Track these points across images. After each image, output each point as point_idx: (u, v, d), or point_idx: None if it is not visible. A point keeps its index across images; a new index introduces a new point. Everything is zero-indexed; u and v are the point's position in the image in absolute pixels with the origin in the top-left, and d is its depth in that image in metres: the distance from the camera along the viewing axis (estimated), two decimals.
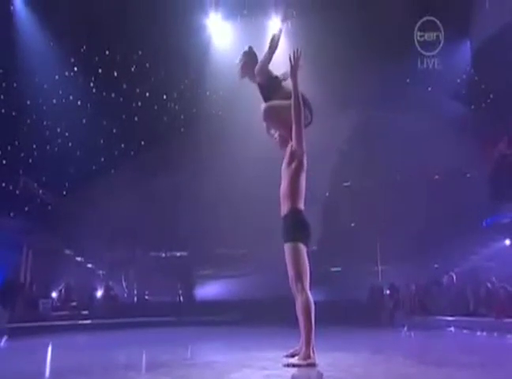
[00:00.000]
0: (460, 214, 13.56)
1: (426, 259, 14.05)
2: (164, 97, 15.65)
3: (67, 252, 15.90)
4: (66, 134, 14.67)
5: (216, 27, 14.30)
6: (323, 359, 4.15)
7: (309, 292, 4.15)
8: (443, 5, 12.64)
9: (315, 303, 4.11)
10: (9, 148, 14.16)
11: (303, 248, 4.24)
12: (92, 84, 14.90)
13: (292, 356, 4.21)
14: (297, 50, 4.48)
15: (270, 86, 4.75)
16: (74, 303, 13.62)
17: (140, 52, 14.77)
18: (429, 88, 14.42)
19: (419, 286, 12.98)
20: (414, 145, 13.50)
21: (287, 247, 4.26)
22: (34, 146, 14.64)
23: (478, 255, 14.00)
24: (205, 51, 14.48)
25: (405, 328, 10.53)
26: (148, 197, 14.75)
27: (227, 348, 6.04)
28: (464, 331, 9.50)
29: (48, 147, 14.64)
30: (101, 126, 14.69)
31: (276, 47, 4.75)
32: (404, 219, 13.87)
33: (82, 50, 14.23)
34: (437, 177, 15.86)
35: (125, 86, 15.10)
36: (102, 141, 15.10)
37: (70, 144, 14.61)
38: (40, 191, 15.17)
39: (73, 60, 14.35)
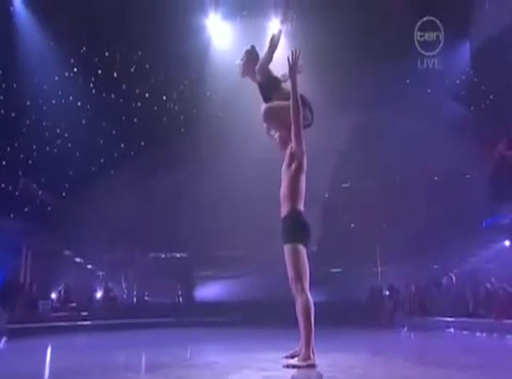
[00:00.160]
0: (459, 215, 13.57)
1: (425, 260, 14.06)
2: (164, 98, 15.66)
3: (67, 253, 15.90)
4: (66, 135, 14.67)
5: (216, 27, 14.31)
6: (323, 360, 4.14)
7: (309, 293, 4.14)
8: (443, 5, 12.64)
9: (315, 304, 4.11)
10: (8, 149, 14.16)
11: (302, 249, 4.23)
12: (91, 85, 14.91)
13: (292, 357, 4.21)
14: (295, 50, 4.48)
15: (270, 86, 4.75)
16: (74, 304, 13.62)
17: (139, 53, 14.78)
18: (428, 90, 14.43)
19: (418, 287, 12.98)
20: (414, 146, 13.51)
21: (287, 248, 4.26)
22: (33, 147, 14.64)
23: (478, 256, 14.01)
24: (205, 52, 14.48)
25: (405, 329, 10.53)
26: (148, 197, 14.75)
27: (227, 349, 6.03)
28: (464, 332, 9.50)
29: (48, 148, 14.64)
30: (101, 127, 14.70)
31: (276, 47, 4.75)
32: (403, 219, 13.88)
33: (82, 50, 14.24)
34: (436, 178, 15.86)
35: (124, 87, 15.11)
36: (101, 142, 15.10)
37: (70, 145, 14.61)
38: (40, 192, 15.17)
39: (72, 61, 14.36)
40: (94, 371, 4.53)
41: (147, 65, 14.88)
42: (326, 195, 15.86)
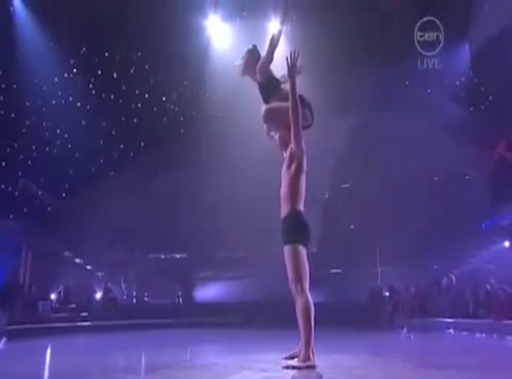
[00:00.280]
0: (459, 216, 13.58)
1: (425, 261, 14.06)
2: (164, 99, 15.67)
3: (66, 253, 15.90)
4: (66, 136, 14.67)
5: (216, 28, 14.31)
6: (323, 361, 4.14)
7: (309, 294, 4.14)
8: (443, 6, 12.65)
9: (315, 305, 4.10)
10: (8, 149, 14.16)
11: (302, 250, 4.23)
12: (91, 86, 14.91)
13: (292, 358, 4.20)
14: (294, 51, 4.47)
15: (270, 86, 4.75)
16: (73, 305, 13.62)
17: (139, 53, 14.78)
18: (428, 90, 14.44)
19: (418, 288, 12.99)
20: (413, 147, 13.51)
21: (286, 249, 4.25)
22: (33, 148, 14.64)
23: (477, 257, 14.01)
24: (205, 53, 14.49)
25: (405, 330, 10.53)
26: (148, 198, 14.75)
27: (227, 350, 6.03)
28: (464, 333, 9.50)
29: (47, 148, 14.64)
30: (100, 128, 14.70)
31: (275, 46, 4.73)
32: (403, 220, 13.88)
33: (82, 51, 14.24)
34: (436, 178, 15.88)
35: (124, 87, 15.11)
36: (101, 143, 15.10)
37: (70, 146, 14.61)
38: (39, 193, 15.17)
39: (72, 61, 14.36)
40: (93, 372, 4.53)
41: (147, 66, 14.89)
42: (326, 196, 15.87)
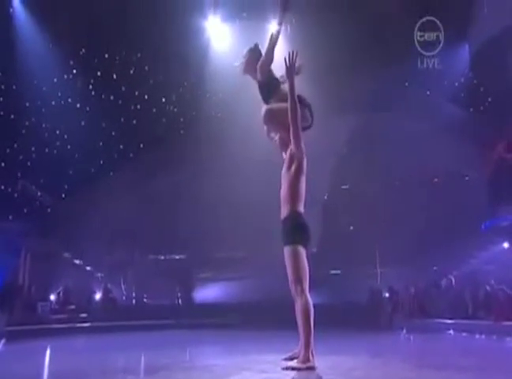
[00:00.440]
0: (459, 217, 13.58)
1: (425, 262, 14.06)
2: (163, 100, 15.69)
3: (66, 254, 15.87)
4: (65, 137, 14.67)
5: (215, 29, 14.33)
6: (322, 362, 4.13)
7: (308, 295, 4.13)
8: (443, 6, 12.66)
9: (314, 306, 4.10)
10: (7, 150, 14.16)
11: (302, 251, 4.22)
12: (91, 87, 14.91)
13: (291, 359, 4.19)
14: (293, 52, 4.47)
15: (270, 86, 4.74)
16: (73, 306, 13.60)
17: (139, 54, 14.81)
18: (428, 92, 14.45)
19: (418, 289, 12.98)
20: (413, 148, 13.52)
21: (286, 250, 4.25)
22: (33, 148, 14.64)
23: (477, 258, 14.01)
24: (204, 54, 14.50)
25: (404, 331, 10.52)
26: (148, 199, 14.74)
27: (227, 351, 6.02)
28: (463, 334, 9.49)
29: (47, 149, 14.64)
30: (100, 129, 14.70)
31: (274, 45, 4.72)
32: (403, 221, 13.88)
33: (81, 52, 14.26)
34: (436, 179, 15.88)
35: (124, 88, 15.13)
36: (101, 144, 15.10)
37: (69, 147, 14.61)
38: (39, 194, 15.16)
39: (72, 62, 14.37)
40: (93, 373, 4.53)
41: (146, 67, 14.90)
42: (326, 196, 15.87)
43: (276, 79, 4.78)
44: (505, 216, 13.42)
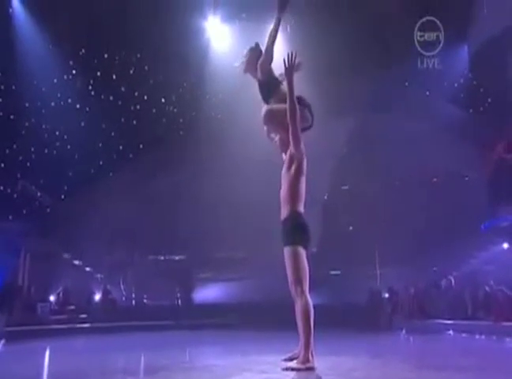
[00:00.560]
0: (458, 217, 13.58)
1: (425, 262, 14.06)
2: (163, 100, 15.68)
3: (65, 255, 15.86)
4: (65, 137, 14.66)
5: (215, 30, 14.34)
6: (322, 363, 4.13)
7: (308, 296, 4.13)
8: (443, 6, 12.66)
9: (314, 306, 4.10)
10: (7, 151, 14.15)
11: (302, 251, 4.22)
12: (90, 87, 14.91)
13: (291, 360, 4.19)
14: (291, 53, 4.46)
15: (270, 86, 4.73)
16: (72, 307, 13.59)
17: (139, 55, 14.81)
18: (427, 92, 14.46)
19: (417, 289, 12.98)
20: (413, 148, 13.53)
21: (286, 250, 4.25)
22: (32, 149, 14.63)
23: (476, 258, 14.01)
24: (204, 54, 14.51)
25: (404, 332, 10.52)
26: (147, 199, 14.74)
27: (227, 352, 6.02)
28: (463, 334, 9.49)
29: (46, 150, 14.63)
30: (100, 129, 14.69)
31: (273, 42, 4.71)
32: (402, 221, 13.89)
33: (81, 53, 14.26)
34: (435, 180, 15.89)
35: (123, 89, 15.13)
36: (100, 144, 15.09)
37: (69, 147, 14.61)
38: (38, 194, 15.15)
39: (71, 63, 14.37)
40: (93, 374, 4.52)
41: (146, 68, 14.90)
42: (326, 197, 15.87)
43: (277, 79, 4.78)
44: (504, 217, 13.42)
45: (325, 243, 13.15)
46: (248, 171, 12.99)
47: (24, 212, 14.35)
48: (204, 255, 15.96)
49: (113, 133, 15.21)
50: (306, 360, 3.97)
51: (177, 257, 17.24)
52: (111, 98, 15.11)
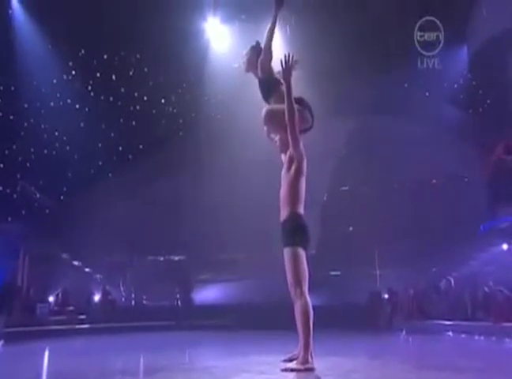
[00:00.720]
0: (458, 218, 13.59)
1: (424, 263, 14.07)
2: (163, 101, 15.68)
3: (64, 256, 15.85)
4: (64, 138, 14.66)
5: (215, 31, 14.34)
6: (321, 364, 4.13)
7: (308, 297, 4.13)
8: (443, 6, 12.67)
9: (314, 307, 4.10)
10: (6, 151, 14.14)
11: (302, 252, 4.22)
12: (90, 88, 14.90)
13: (290, 361, 4.19)
14: (288, 54, 4.46)
15: (270, 85, 4.73)
16: (71, 307, 13.56)
17: (138, 56, 14.81)
18: (427, 93, 14.47)
19: (417, 290, 12.98)
20: (412, 149, 13.54)
21: (286, 251, 4.24)
22: (31, 150, 14.61)
23: (476, 259, 14.01)
24: (204, 55, 14.51)
25: (404, 333, 10.52)
26: (147, 200, 14.74)
27: (226, 353, 6.02)
28: (463, 335, 9.50)
29: (46, 151, 14.62)
30: (99, 130, 14.69)
31: (271, 40, 4.71)
32: (402, 222, 13.89)
33: (80, 53, 14.25)
34: (435, 181, 15.89)
35: (123, 90, 15.13)
36: (100, 145, 15.08)
37: (68, 148, 14.60)
38: (38, 195, 15.13)
39: (71, 63, 14.37)
40: (92, 375, 4.52)
41: (146, 68, 14.91)
42: (325, 198, 15.87)
43: (277, 78, 4.78)
44: (504, 218, 13.41)
45: (325, 244, 13.16)
46: (248, 172, 12.99)
47: (24, 212, 14.34)
48: (203, 256, 15.95)
49: (112, 134, 15.20)
50: (306, 361, 3.97)
51: (176, 258, 17.23)
52: (111, 98, 15.11)
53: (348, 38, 12.67)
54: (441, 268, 14.25)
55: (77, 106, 14.66)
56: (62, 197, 15.36)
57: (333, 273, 16.15)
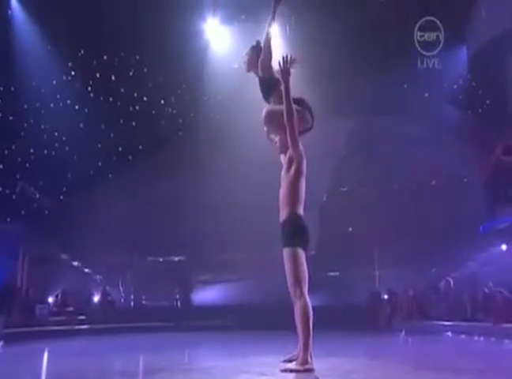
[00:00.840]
0: (457, 219, 13.59)
1: (423, 264, 14.06)
2: (162, 102, 15.68)
3: (64, 256, 15.83)
4: (64, 138, 14.66)
5: (214, 32, 14.34)
6: (321, 364, 4.13)
7: (307, 297, 4.13)
8: (443, 6, 12.68)
9: (313, 308, 4.10)
10: (6, 152, 14.14)
11: (301, 253, 4.22)
12: (89, 88, 14.91)
13: (290, 361, 4.18)
14: (286, 55, 4.46)
15: (271, 84, 4.72)
16: (71, 308, 13.55)
17: (138, 56, 14.81)
18: (426, 94, 14.48)
19: (416, 291, 12.99)
20: (411, 150, 13.54)
21: (285, 252, 4.24)
22: (31, 150, 14.61)
23: (475, 260, 14.01)
24: (203, 56, 14.51)
25: (403, 333, 10.53)
26: (146, 201, 14.73)
27: (226, 353, 6.02)
28: (462, 336, 9.50)
29: (45, 151, 14.62)
30: (99, 131, 14.69)
31: (269, 39, 4.71)
32: (401, 223, 13.89)
33: (80, 54, 14.25)
34: (434, 182, 15.89)
35: (123, 90, 15.13)
36: (99, 146, 15.08)
37: (68, 149, 14.60)
38: (37, 195, 15.13)
39: (70, 64, 14.38)
40: (91, 375, 4.52)
41: (145, 69, 14.91)
42: (324, 198, 15.87)
43: (277, 78, 4.78)
44: (503, 218, 13.42)
45: (325, 244, 13.16)
46: (247, 172, 12.99)
47: (23, 213, 14.33)
48: (203, 256, 15.94)
49: (112, 135, 15.20)
50: (305, 361, 3.97)
51: (176, 259, 17.22)
52: (110, 99, 15.11)
53: (347, 37, 12.66)
54: (440, 268, 14.25)
55: (77, 106, 14.66)
56: (61, 198, 15.36)
57: (332, 274, 16.15)
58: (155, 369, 4.44)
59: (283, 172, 4.51)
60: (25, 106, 14.01)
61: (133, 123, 15.33)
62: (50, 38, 13.39)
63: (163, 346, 7.62)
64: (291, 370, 3.96)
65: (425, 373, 4.31)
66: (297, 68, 4.53)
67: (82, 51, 14.28)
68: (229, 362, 4.87)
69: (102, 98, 14.92)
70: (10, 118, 13.99)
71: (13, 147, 14.33)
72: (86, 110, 14.66)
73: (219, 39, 14.37)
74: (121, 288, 16.06)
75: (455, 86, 14.70)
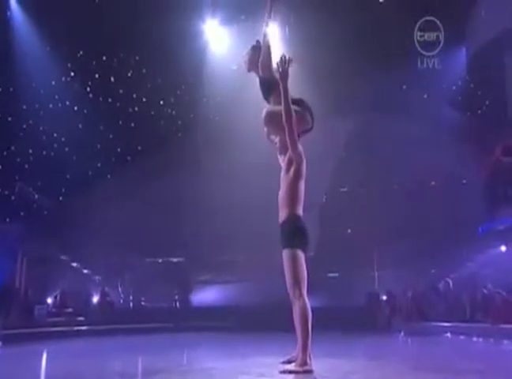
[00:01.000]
0: (456, 220, 13.60)
1: (423, 265, 14.07)
2: (161, 102, 15.69)
3: (63, 257, 15.81)
4: (63, 139, 14.66)
5: (214, 32, 14.34)
6: (320, 366, 4.12)
7: (306, 298, 4.12)
8: (443, 6, 12.69)
9: (312, 309, 4.09)
10: (5, 153, 14.13)
11: (301, 254, 4.21)
12: (88, 89, 14.91)
13: (289, 362, 4.18)
14: (284, 56, 4.46)
15: (270, 83, 4.72)
16: (70, 309, 13.53)
17: (137, 57, 14.82)
18: (425, 95, 14.49)
19: (416, 292, 12.98)
20: (411, 151, 13.53)
21: (285, 253, 4.24)
22: (30, 151, 14.62)
23: (474, 261, 14.01)
24: (202, 57, 14.51)
25: (402, 334, 10.53)
26: (146, 201, 14.71)
27: (225, 354, 6.01)
28: (461, 337, 9.50)
29: (44, 152, 14.62)
30: (98, 131, 14.69)
31: (267, 38, 4.71)
32: (400, 224, 13.88)
33: (79, 55, 14.26)
34: (433, 183, 15.90)
35: (122, 91, 15.13)
36: (98, 146, 15.08)
37: (67, 149, 14.60)
38: (36, 196, 15.12)
39: (69, 65, 14.38)
40: (90, 377, 4.52)
41: (144, 70, 14.92)
42: (324, 199, 15.87)
43: (277, 77, 4.78)
44: (502, 219, 13.42)
45: (324, 245, 13.14)
46: (247, 173, 12.99)
47: (22, 214, 14.33)
48: (202, 257, 15.93)
49: (111, 136, 15.20)
50: (304, 363, 3.96)
51: (175, 260, 17.21)
52: (109, 100, 15.12)
53: (347, 37, 12.67)
54: (439, 269, 14.25)
55: (76, 107, 14.67)
56: (60, 199, 15.36)
57: (331, 275, 16.14)
58: (154, 370, 4.44)
59: (282, 173, 4.50)
60: (24, 107, 14.02)
61: (133, 124, 15.34)
62: (49, 39, 13.39)
63: (162, 347, 7.62)
64: (290, 371, 3.96)
65: (424, 373, 4.31)
66: (295, 67, 4.53)
67: (81, 52, 14.29)
68: (228, 362, 4.86)
69: (101, 99, 14.93)
70: (9, 118, 14.00)
71: (12, 148, 14.34)
72: (85, 111, 14.66)
73: (218, 40, 14.37)
74: (120, 289, 16.04)
75: (454, 87, 14.71)
